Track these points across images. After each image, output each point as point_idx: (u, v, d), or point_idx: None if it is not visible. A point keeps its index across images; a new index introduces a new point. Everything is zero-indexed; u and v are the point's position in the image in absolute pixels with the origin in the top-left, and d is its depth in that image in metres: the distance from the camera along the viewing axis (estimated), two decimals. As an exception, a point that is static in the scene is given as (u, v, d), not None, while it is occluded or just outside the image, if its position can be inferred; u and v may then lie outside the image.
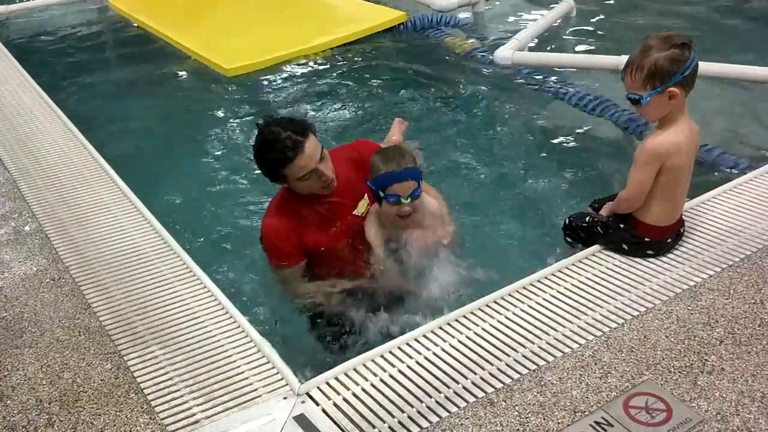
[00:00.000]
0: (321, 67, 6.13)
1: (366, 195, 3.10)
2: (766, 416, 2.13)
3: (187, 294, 2.81)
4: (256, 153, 2.92)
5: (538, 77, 5.50)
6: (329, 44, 6.42)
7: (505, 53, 5.61)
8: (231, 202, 4.06)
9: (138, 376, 2.41)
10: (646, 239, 2.85)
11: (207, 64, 6.24)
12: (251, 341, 2.55)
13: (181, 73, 6.28)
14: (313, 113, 5.23)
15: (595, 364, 2.37)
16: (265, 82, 5.89)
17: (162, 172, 4.44)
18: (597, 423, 2.14)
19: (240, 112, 5.34)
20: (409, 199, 2.86)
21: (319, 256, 3.03)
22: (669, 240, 2.88)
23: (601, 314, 2.60)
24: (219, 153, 4.72)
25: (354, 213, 3.08)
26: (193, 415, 2.25)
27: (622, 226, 2.90)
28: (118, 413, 2.27)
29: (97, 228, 3.28)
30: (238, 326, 2.62)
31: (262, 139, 2.88)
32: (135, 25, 7.46)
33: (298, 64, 6.17)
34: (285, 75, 6.00)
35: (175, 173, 4.46)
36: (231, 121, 5.19)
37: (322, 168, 2.87)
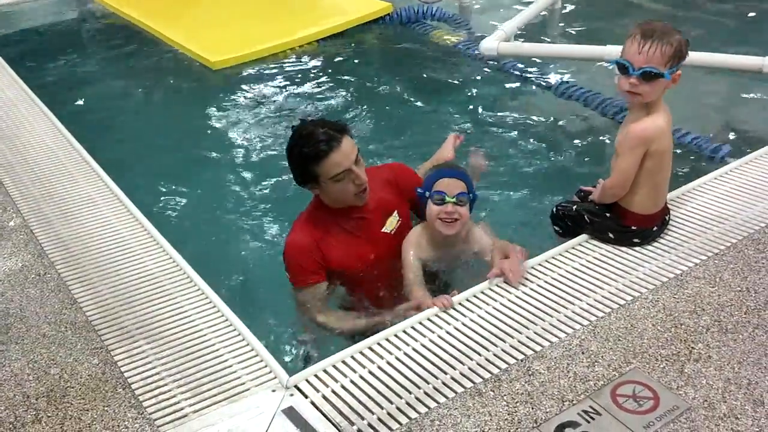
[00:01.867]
0: (307, 60, 6.10)
1: (396, 212, 2.94)
2: (752, 403, 2.15)
3: (174, 289, 2.80)
4: (289, 150, 2.76)
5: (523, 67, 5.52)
6: (315, 36, 6.40)
7: (490, 44, 5.60)
8: (218, 196, 4.05)
9: (125, 371, 2.40)
10: (632, 228, 2.86)
11: (192, 56, 6.21)
12: (239, 335, 2.54)
13: (166, 66, 6.23)
14: (299, 106, 5.21)
15: (583, 353, 2.38)
16: (251, 75, 5.86)
17: (148, 167, 4.42)
18: (585, 411, 2.15)
19: (226, 106, 5.32)
20: (454, 199, 2.71)
21: (341, 275, 2.89)
22: (655, 228, 2.89)
23: (588, 303, 2.61)
24: (204, 147, 4.70)
25: (383, 230, 2.90)
26: (181, 409, 2.24)
27: (608, 215, 2.91)
28: (105, 408, 2.26)
29: (83, 223, 3.26)
30: (226, 320, 2.62)
31: (296, 134, 2.74)
32: (119, 17, 7.40)
33: (284, 57, 6.14)
34: (271, 68, 5.97)
35: (161, 168, 4.44)
36: (216, 114, 5.16)
37: (357, 170, 2.71)
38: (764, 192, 3.21)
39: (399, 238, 2.91)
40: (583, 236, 2.97)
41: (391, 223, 2.92)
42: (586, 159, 4.23)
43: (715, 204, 3.15)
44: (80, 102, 5.45)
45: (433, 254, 2.88)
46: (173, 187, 4.18)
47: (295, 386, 2.32)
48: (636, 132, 2.70)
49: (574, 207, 3.01)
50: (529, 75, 5.47)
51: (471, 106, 5.12)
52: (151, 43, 6.70)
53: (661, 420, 2.11)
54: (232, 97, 5.48)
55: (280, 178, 4.17)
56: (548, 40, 6.29)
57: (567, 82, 5.18)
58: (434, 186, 2.76)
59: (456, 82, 5.63)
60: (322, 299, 2.82)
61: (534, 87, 5.35)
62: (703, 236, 2.94)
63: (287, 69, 5.93)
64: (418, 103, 5.19)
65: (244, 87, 5.63)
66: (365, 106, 5.14)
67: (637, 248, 2.88)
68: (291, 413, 2.21)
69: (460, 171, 2.82)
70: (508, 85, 5.46)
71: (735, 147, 4.08)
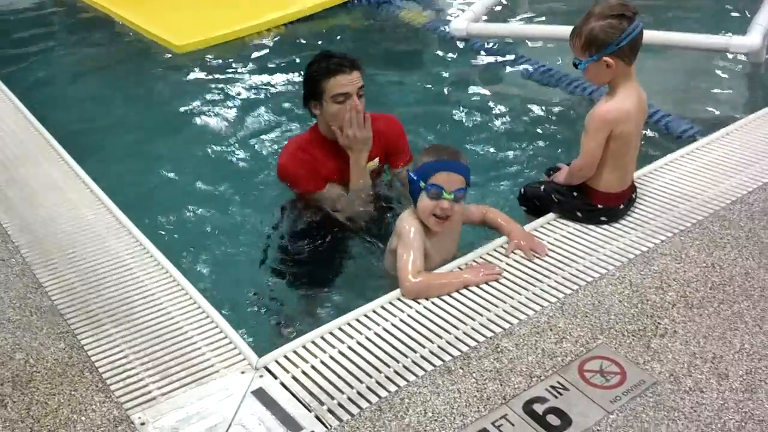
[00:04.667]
0: (274, 43, 6.04)
1: (377, 159, 3.25)
2: (717, 376, 2.18)
3: (141, 271, 2.77)
4: (307, 67, 3.11)
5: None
6: (283, 20, 6.31)
7: (459, 24, 5.59)
8: (184, 178, 4.00)
9: (92, 355, 2.37)
10: (599, 206, 2.88)
11: (156, 40, 6.10)
12: (207, 317, 2.52)
13: (131, 50, 6.11)
14: (267, 90, 5.15)
15: (551, 329, 2.40)
16: (217, 59, 5.78)
17: (113, 151, 4.35)
18: (553, 387, 2.17)
19: (191, 89, 5.23)
20: (452, 195, 2.56)
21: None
22: (621, 206, 2.92)
23: (556, 281, 2.63)
24: (170, 130, 4.64)
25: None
26: (150, 392, 2.22)
27: (575, 194, 2.92)
28: (72, 393, 2.23)
29: (47, 207, 3.21)
30: (194, 302, 2.60)
31: (318, 55, 3.12)
32: (82, 1, 7.26)
33: (251, 41, 6.07)
34: (237, 51, 5.89)
35: (126, 151, 4.37)
36: (182, 98, 5.07)
37: (357, 101, 3.02)
38: (730, 170, 3.25)
39: (374, 176, 3.28)
40: (551, 215, 2.99)
41: (371, 165, 3.23)
42: (555, 138, 4.25)
43: (681, 182, 3.19)
44: (44, 86, 5.33)
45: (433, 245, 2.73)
46: (139, 169, 4.13)
47: (265, 367, 2.31)
48: (598, 114, 2.72)
49: (542, 187, 3.03)
50: (498, 55, 5.46)
51: (440, 87, 5.11)
52: (115, 27, 6.57)
53: (628, 394, 2.13)
54: (198, 80, 5.40)
55: (246, 159, 4.15)
56: (518, 20, 6.28)
57: (536, 62, 5.18)
58: (431, 178, 2.56)
59: (425, 62, 5.62)
60: (340, 192, 3.20)
61: (503, 67, 5.34)
62: (670, 214, 2.97)
63: (254, 52, 5.86)
64: (386, 84, 5.15)
65: (210, 70, 5.54)
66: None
67: (604, 226, 2.91)
68: (261, 394, 2.20)
69: (460, 163, 2.61)
70: (477, 66, 5.45)
71: (702, 126, 4.12)
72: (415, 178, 2.60)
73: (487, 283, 2.62)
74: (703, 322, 2.41)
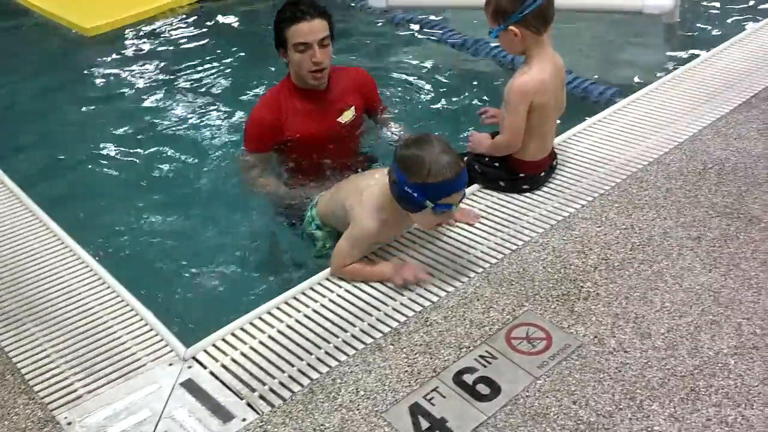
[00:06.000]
0: (189, 20, 5.90)
1: (353, 107, 3.25)
2: (639, 336, 2.24)
3: (60, 266, 2.69)
4: (276, 13, 3.10)
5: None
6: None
7: (379, -4, 5.55)
8: (100, 168, 3.89)
9: (13, 357, 2.30)
10: (521, 174, 2.92)
11: (65, 24, 5.88)
12: (132, 309, 2.47)
13: (38, 37, 5.87)
14: (183, 69, 5.04)
15: (478, 300, 2.43)
16: (130, 40, 5.61)
17: (24, 142, 4.21)
18: (482, 357, 2.20)
19: (105, 72, 5.08)
20: (459, 205, 2.44)
21: (292, 146, 3.22)
22: (543, 174, 2.96)
23: (481, 251, 2.66)
24: (85, 118, 4.49)
25: (338, 120, 3.23)
26: (75, 390, 2.17)
27: (497, 164, 2.95)
28: (-7, 397, 2.17)
29: (-42, 205, 3.09)
30: (117, 295, 2.53)
31: (283, 5, 3.08)
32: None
33: (165, 19, 5.91)
34: (151, 31, 5.74)
35: (38, 141, 4.23)
36: (95, 82, 4.94)
37: (318, 50, 2.99)
38: (646, 131, 3.32)
39: (350, 129, 3.30)
40: (475, 186, 3.01)
41: (347, 116, 3.25)
42: (477, 107, 4.25)
43: (599, 146, 3.25)
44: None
45: (388, 235, 2.68)
46: (52, 161, 4.01)
47: (193, 357, 2.28)
48: (516, 87, 2.75)
49: (464, 158, 3.04)
50: (419, 26, 5.45)
51: (362, 59, 5.06)
52: (19, 13, 6.29)
53: (554, 359, 2.18)
54: (112, 63, 5.24)
55: (166, 142, 4.06)
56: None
57: (457, 32, 5.19)
58: (444, 199, 2.34)
59: (346, 35, 5.55)
60: (266, 164, 3.23)
61: (424, 38, 5.34)
62: (590, 178, 3.03)
63: (169, 31, 5.72)
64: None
65: (123, 52, 5.39)
66: (252, 65, 5.03)
67: (527, 194, 2.94)
68: (190, 385, 2.17)
69: (463, 175, 2.35)
70: (398, 37, 5.44)
71: (620, 88, 4.20)
72: (414, 195, 2.32)
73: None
74: (624, 283, 2.47)
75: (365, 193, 2.53)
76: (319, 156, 3.26)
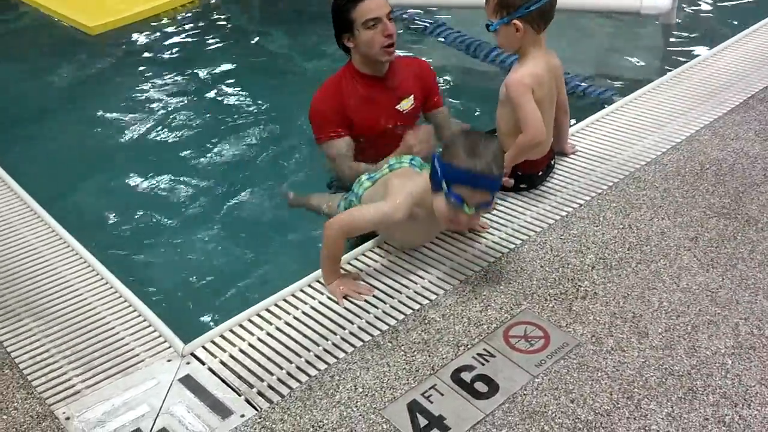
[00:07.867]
0: (190, 19, 5.89)
1: (413, 96, 3.20)
2: (637, 335, 2.25)
3: (58, 261, 2.69)
4: (333, 3, 3.04)
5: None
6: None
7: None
8: (100, 165, 3.89)
9: (11, 351, 2.30)
10: (519, 173, 2.92)
11: (68, 23, 5.87)
12: (130, 305, 2.47)
13: (41, 36, 5.86)
14: (188, 66, 5.04)
15: (476, 298, 2.44)
16: (134, 38, 5.61)
17: (22, 138, 4.19)
18: (479, 355, 2.21)
19: (108, 71, 5.08)
20: (473, 210, 2.34)
21: (359, 138, 3.17)
22: (540, 173, 2.96)
23: (479, 250, 2.66)
24: (86, 115, 4.48)
25: (397, 107, 3.17)
26: (73, 386, 2.17)
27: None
28: (-9, 392, 2.17)
29: (-45, 199, 3.08)
30: (115, 291, 2.54)
31: None
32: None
33: (167, 17, 5.90)
34: (154, 29, 5.73)
35: (40, 139, 4.22)
36: (99, 80, 4.93)
37: (388, 23, 2.98)
38: (643, 131, 3.33)
39: (408, 119, 3.21)
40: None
41: (406, 104, 3.19)
42: (477, 107, 4.27)
43: (597, 145, 3.25)
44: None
45: (412, 236, 2.67)
46: (50, 154, 4.01)
47: (192, 354, 2.28)
48: (515, 81, 2.74)
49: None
50: (419, 24, 5.45)
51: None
52: (22, 11, 6.28)
53: (552, 357, 2.18)
54: (115, 62, 5.24)
55: (166, 140, 4.06)
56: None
57: (455, 30, 5.19)
58: (456, 186, 2.29)
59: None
60: (351, 149, 3.14)
61: (422, 36, 5.34)
62: (587, 177, 3.04)
63: (172, 29, 5.71)
64: (304, 51, 5.11)
65: (126, 51, 5.39)
66: (256, 59, 5.02)
67: (524, 193, 2.95)
68: (188, 381, 2.17)
69: (491, 178, 2.30)
70: (397, 37, 5.42)
71: (618, 88, 4.21)
72: (438, 170, 2.31)
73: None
74: (622, 282, 2.47)
75: (411, 181, 2.52)
76: (376, 144, 3.14)
